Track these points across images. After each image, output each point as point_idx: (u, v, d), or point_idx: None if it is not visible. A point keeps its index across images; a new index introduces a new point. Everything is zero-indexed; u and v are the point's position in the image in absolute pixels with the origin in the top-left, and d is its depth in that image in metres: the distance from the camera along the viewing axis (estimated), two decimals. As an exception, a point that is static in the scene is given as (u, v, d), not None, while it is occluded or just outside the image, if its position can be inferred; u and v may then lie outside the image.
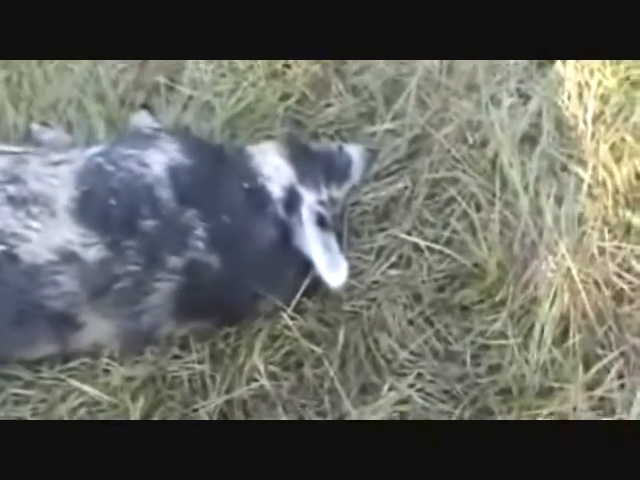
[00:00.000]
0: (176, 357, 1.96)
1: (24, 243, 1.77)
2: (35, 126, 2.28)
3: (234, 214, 1.92)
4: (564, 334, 1.94)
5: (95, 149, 1.95)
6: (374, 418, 1.85)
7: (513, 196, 2.14)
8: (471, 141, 2.26)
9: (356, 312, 2.05)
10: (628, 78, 2.45)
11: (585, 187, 2.15)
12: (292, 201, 2.02)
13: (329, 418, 1.88)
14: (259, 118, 2.37)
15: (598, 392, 1.85)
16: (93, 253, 1.79)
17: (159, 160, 1.92)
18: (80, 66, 2.39)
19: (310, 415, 1.89)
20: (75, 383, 1.89)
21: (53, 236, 1.78)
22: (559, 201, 2.14)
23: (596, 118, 2.35)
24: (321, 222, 1.99)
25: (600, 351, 1.93)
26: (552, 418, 1.80)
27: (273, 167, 2.06)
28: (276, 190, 2.01)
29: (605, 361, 1.89)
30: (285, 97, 2.41)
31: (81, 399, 1.88)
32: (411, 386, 1.91)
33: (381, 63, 2.46)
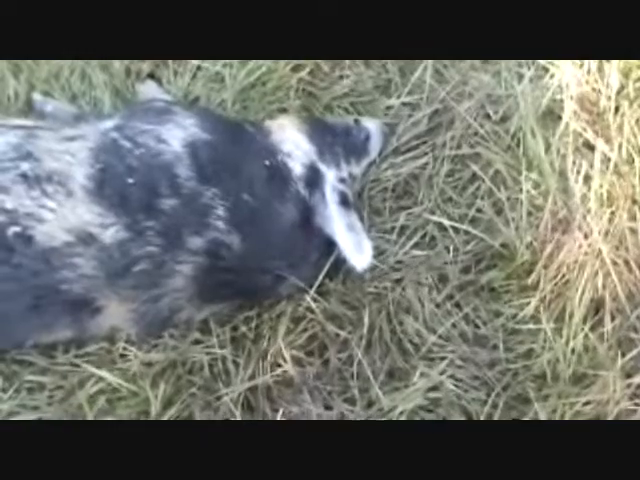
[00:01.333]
0: (197, 342, 1.88)
1: (39, 224, 1.68)
2: (37, 96, 2.17)
3: (255, 192, 1.84)
4: (597, 318, 1.90)
5: (108, 123, 1.85)
6: (406, 406, 1.79)
7: (539, 174, 2.08)
8: (494, 117, 2.18)
9: (380, 294, 1.98)
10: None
11: (612, 165, 2.09)
12: (313, 179, 1.95)
13: (358, 405, 1.82)
14: (271, 90, 2.28)
15: (636, 380, 1.80)
16: (111, 234, 1.70)
17: (177, 136, 1.83)
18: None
19: (338, 402, 1.83)
20: (92, 369, 1.82)
21: (69, 216, 1.69)
22: (586, 179, 2.08)
23: (618, 93, 2.28)
24: (344, 201, 1.93)
25: (634, 335, 1.89)
26: (590, 407, 1.76)
27: (293, 143, 1.99)
28: (297, 167, 1.94)
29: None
30: (298, 68, 2.30)
31: (99, 386, 1.80)
32: (442, 373, 1.85)
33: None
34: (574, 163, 2.11)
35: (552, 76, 2.30)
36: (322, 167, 1.98)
